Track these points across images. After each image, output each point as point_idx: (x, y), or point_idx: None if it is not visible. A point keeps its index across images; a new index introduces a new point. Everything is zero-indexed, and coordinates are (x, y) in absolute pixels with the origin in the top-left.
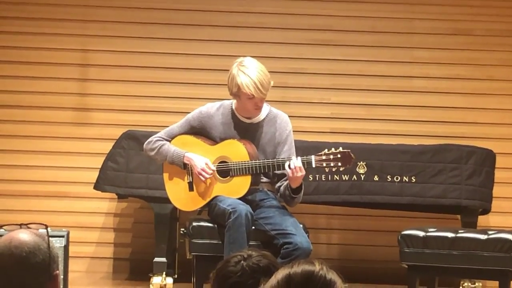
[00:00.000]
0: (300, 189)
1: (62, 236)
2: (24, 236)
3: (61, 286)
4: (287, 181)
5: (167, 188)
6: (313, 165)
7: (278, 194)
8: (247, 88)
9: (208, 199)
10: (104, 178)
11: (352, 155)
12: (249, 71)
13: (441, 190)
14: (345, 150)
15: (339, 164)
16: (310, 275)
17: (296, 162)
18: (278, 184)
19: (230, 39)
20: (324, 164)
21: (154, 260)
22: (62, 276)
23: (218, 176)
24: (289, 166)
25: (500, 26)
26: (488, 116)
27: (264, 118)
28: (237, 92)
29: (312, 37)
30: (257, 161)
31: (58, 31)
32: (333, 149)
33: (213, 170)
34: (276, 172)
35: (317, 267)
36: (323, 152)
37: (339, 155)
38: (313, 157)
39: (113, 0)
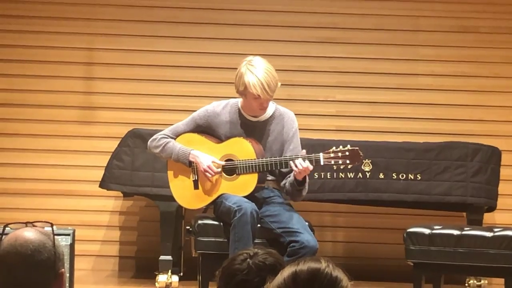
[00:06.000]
0: (305, 180)
1: (68, 234)
2: (29, 234)
3: (67, 284)
4: (291, 177)
5: (172, 186)
6: (322, 163)
7: (284, 191)
8: (253, 88)
9: (213, 197)
10: (110, 176)
11: (360, 152)
12: (257, 71)
13: (447, 187)
14: (353, 148)
15: (348, 161)
16: (316, 273)
17: (303, 163)
18: (283, 182)
19: (236, 37)
20: (333, 162)
21: (160, 258)
22: (68, 274)
23: (224, 174)
24: (295, 165)
25: (506, 23)
26: (493, 113)
27: (270, 116)
28: (243, 91)
29: (317, 35)
30: (264, 159)
31: (64, 30)
32: (341, 147)
33: (219, 169)
34: (283, 170)
35: (323, 265)
36: (331, 150)
37: (347, 153)
38: (321, 155)
39: None
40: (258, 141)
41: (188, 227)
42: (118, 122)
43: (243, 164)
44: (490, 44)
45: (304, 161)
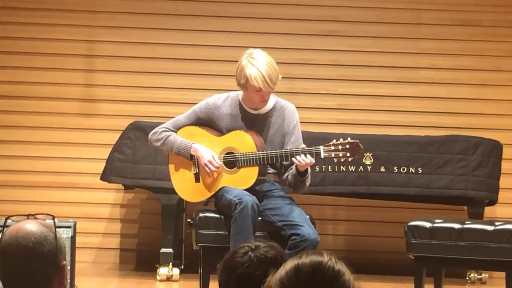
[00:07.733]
0: (307, 171)
1: (69, 227)
2: (31, 226)
3: (68, 277)
4: (293, 169)
5: (173, 179)
6: (322, 156)
7: (287, 183)
8: (255, 81)
9: (214, 191)
10: (111, 169)
11: (360, 145)
12: (258, 64)
13: (448, 181)
14: (353, 141)
15: (348, 154)
16: (318, 266)
17: (305, 158)
18: (286, 174)
19: (238, 30)
20: (333, 155)
21: (161, 251)
22: (69, 267)
23: (225, 167)
24: (298, 160)
25: (507, 17)
26: (495, 107)
27: (271, 109)
28: (244, 84)
29: (319, 28)
30: (265, 152)
31: (65, 22)
32: (341, 140)
33: (219, 164)
34: (284, 163)
35: (325, 258)
36: (331, 143)
37: (347, 146)
38: (321, 148)
39: None
40: (259, 134)
41: (189, 220)
42: (119, 115)
43: (243, 157)
44: (491, 37)
45: (306, 156)
